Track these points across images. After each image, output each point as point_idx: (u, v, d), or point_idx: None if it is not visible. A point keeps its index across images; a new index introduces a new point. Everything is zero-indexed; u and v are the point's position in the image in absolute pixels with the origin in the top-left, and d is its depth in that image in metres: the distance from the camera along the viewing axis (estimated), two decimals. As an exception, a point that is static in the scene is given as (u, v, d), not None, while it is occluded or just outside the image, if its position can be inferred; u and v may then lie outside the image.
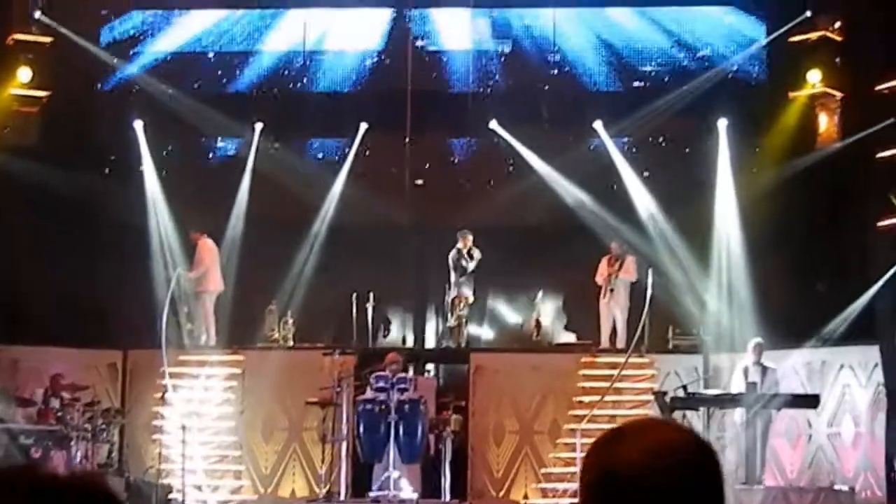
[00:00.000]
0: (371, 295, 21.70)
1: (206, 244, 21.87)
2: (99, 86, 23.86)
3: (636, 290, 20.96)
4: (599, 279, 21.59)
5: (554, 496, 19.60)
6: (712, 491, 2.64)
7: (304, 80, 24.51)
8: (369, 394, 18.19)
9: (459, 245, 21.85)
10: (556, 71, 24.09)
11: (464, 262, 21.83)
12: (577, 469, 16.20)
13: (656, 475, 2.58)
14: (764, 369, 18.94)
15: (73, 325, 20.98)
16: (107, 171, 23.24)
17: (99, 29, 24.05)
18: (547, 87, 24.01)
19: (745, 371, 18.96)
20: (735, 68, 23.13)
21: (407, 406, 17.80)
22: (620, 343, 21.07)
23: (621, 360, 19.90)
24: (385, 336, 23.02)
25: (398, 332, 23.35)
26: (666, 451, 2.61)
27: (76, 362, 20.53)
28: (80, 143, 22.61)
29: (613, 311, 21.48)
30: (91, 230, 21.93)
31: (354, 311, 21.65)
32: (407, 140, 23.58)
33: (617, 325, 21.42)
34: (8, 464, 18.15)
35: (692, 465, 2.62)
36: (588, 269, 21.79)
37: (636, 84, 23.77)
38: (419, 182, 23.64)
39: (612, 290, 21.46)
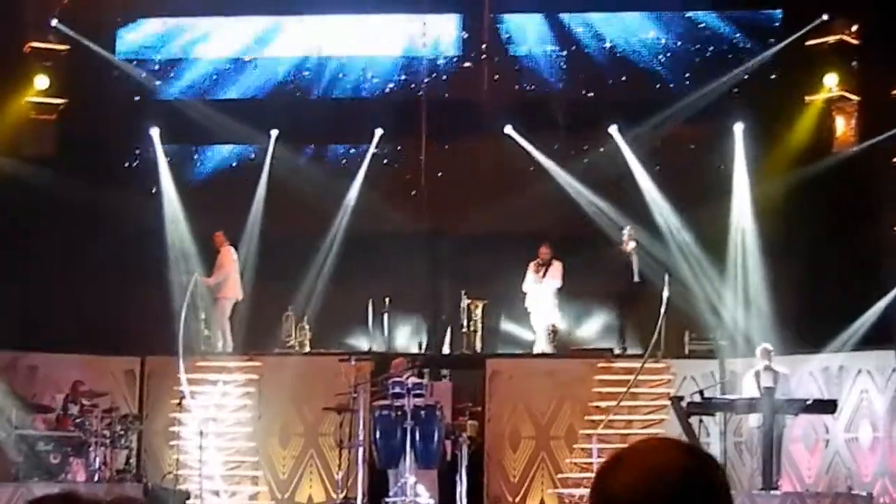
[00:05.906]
0: (386, 301, 21.74)
1: (229, 251, 22.03)
2: (115, 93, 23.87)
3: (653, 295, 20.79)
4: (526, 288, 21.75)
5: (570, 502, 19.57)
6: None
7: (320, 87, 24.53)
8: (386, 399, 18.19)
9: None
10: (571, 76, 24.06)
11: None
12: (593, 474, 16.19)
13: (651, 500, 2.59)
14: (775, 374, 18.89)
15: (90, 331, 21.07)
16: (123, 178, 23.25)
17: (114, 37, 24.10)
18: (562, 92, 23.98)
19: (757, 376, 18.89)
20: (752, 72, 23.05)
21: (423, 412, 17.78)
22: (547, 349, 21.28)
23: (637, 365, 19.88)
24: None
25: (413, 338, 23.32)
26: (662, 475, 2.61)
27: (94, 369, 20.55)
28: (97, 150, 22.67)
29: (537, 315, 21.65)
30: (108, 237, 21.96)
31: (370, 317, 21.70)
32: (422, 146, 23.56)
33: (538, 328, 21.60)
34: (28, 470, 18.31)
35: (688, 488, 2.62)
36: (604, 275, 21.82)
37: (652, 88, 23.68)
38: (413, 193, 23.55)
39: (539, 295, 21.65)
